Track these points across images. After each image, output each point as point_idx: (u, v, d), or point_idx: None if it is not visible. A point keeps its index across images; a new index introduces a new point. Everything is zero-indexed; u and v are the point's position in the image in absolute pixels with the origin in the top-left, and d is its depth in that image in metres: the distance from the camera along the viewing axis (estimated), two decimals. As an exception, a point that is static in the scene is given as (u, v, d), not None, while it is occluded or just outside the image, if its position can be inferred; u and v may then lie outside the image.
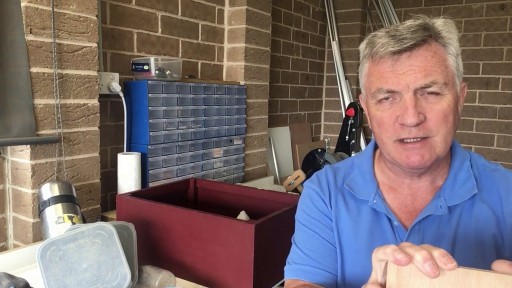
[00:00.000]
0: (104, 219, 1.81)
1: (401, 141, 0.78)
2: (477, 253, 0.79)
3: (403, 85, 0.75)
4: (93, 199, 1.76)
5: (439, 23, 0.78)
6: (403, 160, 0.78)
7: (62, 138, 1.62)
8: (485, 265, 0.52)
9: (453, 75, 0.78)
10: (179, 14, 2.30)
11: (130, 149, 2.00)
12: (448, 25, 0.79)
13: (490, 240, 0.78)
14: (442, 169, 0.85)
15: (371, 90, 0.80)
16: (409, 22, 0.78)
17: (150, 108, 1.94)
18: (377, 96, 0.79)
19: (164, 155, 2.04)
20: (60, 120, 1.61)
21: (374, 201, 0.86)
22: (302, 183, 2.75)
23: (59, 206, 1.46)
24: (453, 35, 0.78)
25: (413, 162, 0.77)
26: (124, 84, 1.98)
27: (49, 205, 1.45)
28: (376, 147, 0.95)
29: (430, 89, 0.75)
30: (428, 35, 0.76)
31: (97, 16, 1.70)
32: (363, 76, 0.84)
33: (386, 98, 0.78)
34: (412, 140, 0.77)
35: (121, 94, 1.90)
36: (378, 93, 0.78)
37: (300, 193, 0.98)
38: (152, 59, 1.94)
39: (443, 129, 0.76)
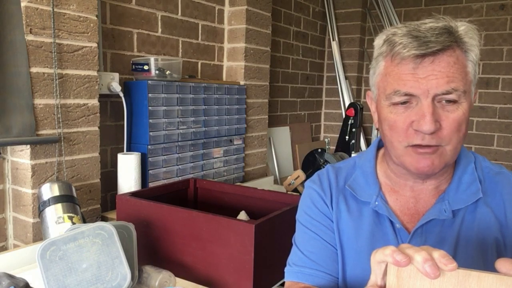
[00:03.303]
0: (104, 219, 1.81)
1: (413, 146, 0.76)
2: (478, 256, 0.78)
3: (423, 89, 0.73)
4: (93, 199, 1.76)
5: (462, 28, 0.75)
6: (413, 165, 0.77)
7: (62, 138, 1.62)
8: (487, 269, 0.51)
9: (470, 83, 0.76)
10: (179, 14, 2.30)
11: (130, 149, 2.00)
12: (471, 30, 0.76)
13: (492, 244, 0.78)
14: (448, 174, 0.84)
15: (386, 91, 0.77)
16: (431, 23, 0.75)
17: (150, 108, 1.94)
18: (392, 98, 0.76)
19: (164, 155, 2.04)
20: (60, 120, 1.61)
21: (376, 203, 0.85)
22: (302, 183, 2.75)
23: (59, 206, 1.46)
24: (475, 41, 0.76)
25: (422, 167, 0.76)
26: (124, 84, 1.98)
27: (49, 205, 1.45)
28: (378, 147, 0.94)
29: (449, 97, 0.73)
30: (453, 40, 0.74)
31: (97, 16, 1.70)
32: (377, 75, 0.81)
33: (403, 102, 0.75)
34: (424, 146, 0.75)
35: (121, 94, 1.90)
36: (395, 95, 0.75)
37: (300, 193, 0.97)
38: (152, 59, 1.94)
39: (455, 138, 0.75)
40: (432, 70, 0.73)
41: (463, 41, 0.75)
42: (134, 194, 1.54)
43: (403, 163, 0.79)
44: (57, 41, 1.57)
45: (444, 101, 0.73)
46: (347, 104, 3.75)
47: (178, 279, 1.31)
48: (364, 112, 3.44)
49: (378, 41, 0.80)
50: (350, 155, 3.19)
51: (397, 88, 0.75)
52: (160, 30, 2.20)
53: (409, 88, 0.74)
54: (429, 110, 0.72)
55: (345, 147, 3.35)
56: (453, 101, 0.74)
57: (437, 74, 0.72)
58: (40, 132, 1.55)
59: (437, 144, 0.74)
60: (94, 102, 1.73)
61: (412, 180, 0.84)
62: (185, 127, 2.13)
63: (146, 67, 1.95)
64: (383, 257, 0.54)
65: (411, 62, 0.73)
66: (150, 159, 1.97)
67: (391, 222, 0.83)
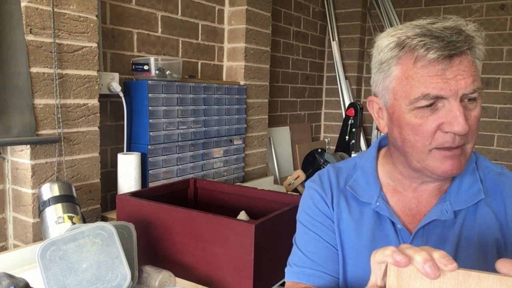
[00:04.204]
0: (104, 219, 1.81)
1: (438, 148, 0.75)
2: (479, 257, 0.78)
3: (454, 91, 0.71)
4: (93, 199, 1.76)
5: (469, 26, 0.75)
6: (440, 168, 0.75)
7: (62, 138, 1.62)
8: (487, 270, 0.51)
9: None
10: (179, 14, 2.30)
11: (130, 149, 2.00)
12: (478, 29, 0.76)
13: (493, 245, 0.78)
14: None
15: (411, 95, 0.74)
16: (439, 23, 0.74)
17: (150, 108, 1.94)
18: (419, 103, 0.73)
19: (164, 155, 2.04)
20: (60, 120, 1.61)
21: (377, 203, 0.85)
22: (302, 183, 2.75)
23: (59, 206, 1.46)
24: (481, 39, 0.76)
25: (451, 170, 0.75)
26: (124, 84, 1.98)
27: (49, 205, 1.45)
28: (379, 147, 0.94)
29: (473, 95, 0.73)
30: (471, 40, 0.74)
31: (97, 16, 1.70)
32: (392, 79, 0.77)
33: (429, 105, 0.73)
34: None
35: (121, 94, 1.90)
36: (423, 99, 0.72)
37: (300, 193, 0.97)
38: (152, 59, 1.94)
39: (475, 135, 0.75)
40: (458, 70, 0.72)
41: (474, 40, 0.75)
42: (134, 194, 1.54)
43: (427, 167, 0.77)
44: (57, 41, 1.57)
45: (466, 100, 0.73)
46: (347, 104, 3.75)
47: (178, 279, 1.31)
48: (364, 112, 3.44)
49: (385, 43, 0.77)
50: (350, 155, 3.19)
51: (426, 91, 0.72)
52: (160, 30, 2.20)
53: (439, 90, 0.71)
54: (461, 110, 0.71)
55: (345, 147, 3.35)
56: (473, 99, 0.74)
57: (463, 73, 0.72)
58: (40, 132, 1.55)
59: (463, 143, 0.75)
60: (94, 102, 1.73)
61: (420, 182, 0.83)
62: (185, 127, 2.13)
63: (146, 67, 1.95)
64: (383, 258, 0.54)
65: (439, 63, 0.71)
66: (150, 159, 1.97)
67: (392, 222, 0.83)
